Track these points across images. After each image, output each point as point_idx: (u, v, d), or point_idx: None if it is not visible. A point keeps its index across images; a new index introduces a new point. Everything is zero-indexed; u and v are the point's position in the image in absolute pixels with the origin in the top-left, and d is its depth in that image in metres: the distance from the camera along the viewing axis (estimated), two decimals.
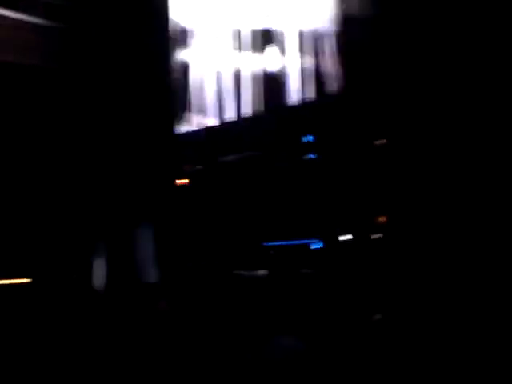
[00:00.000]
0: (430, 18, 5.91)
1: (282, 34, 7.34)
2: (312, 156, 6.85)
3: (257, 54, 7.57)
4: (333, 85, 6.80)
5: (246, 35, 7.66)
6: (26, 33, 7.79)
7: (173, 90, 8.35)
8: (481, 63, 5.64)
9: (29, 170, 7.71)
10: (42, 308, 6.82)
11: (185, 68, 8.36)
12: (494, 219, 5.58)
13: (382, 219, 6.27)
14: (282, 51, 7.34)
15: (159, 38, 8.32)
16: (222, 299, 6.81)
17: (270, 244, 7.22)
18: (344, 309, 5.72)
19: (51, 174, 7.91)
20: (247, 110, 7.63)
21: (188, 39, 8.26)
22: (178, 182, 8.13)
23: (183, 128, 8.29)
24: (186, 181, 8.01)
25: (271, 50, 7.44)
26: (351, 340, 5.20)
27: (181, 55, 8.37)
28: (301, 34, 7.18)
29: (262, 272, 7.04)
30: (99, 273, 7.92)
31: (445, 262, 5.59)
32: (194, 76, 8.21)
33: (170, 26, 8.35)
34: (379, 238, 6.29)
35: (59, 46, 8.06)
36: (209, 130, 7.90)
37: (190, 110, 8.22)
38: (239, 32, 7.75)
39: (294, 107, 7.09)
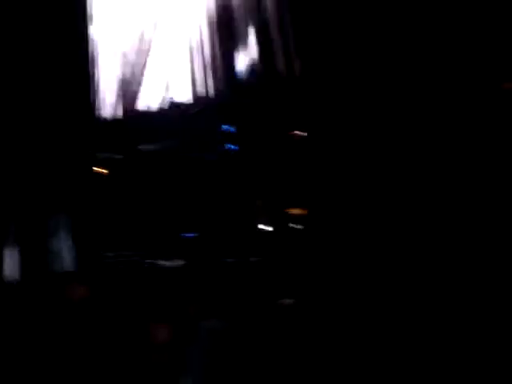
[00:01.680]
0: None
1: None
2: (231, 147, 6.84)
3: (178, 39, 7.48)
4: (253, 75, 6.77)
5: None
6: None
7: (91, 75, 8.16)
8: (399, 60, 5.74)
9: None
10: None
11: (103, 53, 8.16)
12: (408, 212, 5.72)
13: (300, 211, 6.34)
14: (201, 39, 7.25)
15: (75, 23, 8.11)
16: (141, 289, 6.75)
17: (187, 235, 7.18)
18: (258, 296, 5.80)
19: None
20: (169, 98, 7.53)
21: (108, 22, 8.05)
22: (96, 169, 7.96)
23: (103, 115, 8.11)
24: (104, 169, 7.85)
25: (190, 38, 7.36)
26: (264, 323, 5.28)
27: (101, 38, 8.16)
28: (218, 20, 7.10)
29: (179, 262, 7.02)
30: (10, 263, 7.68)
31: (364, 257, 5.71)
32: (115, 62, 8.03)
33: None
34: (298, 229, 6.36)
35: None
36: (128, 117, 7.75)
37: (110, 96, 8.05)
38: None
39: (214, 97, 7.03)
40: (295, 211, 6.39)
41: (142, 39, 7.72)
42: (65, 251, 7.86)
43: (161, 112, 7.40)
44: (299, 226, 6.34)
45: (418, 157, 5.77)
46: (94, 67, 8.21)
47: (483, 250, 5.12)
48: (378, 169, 5.85)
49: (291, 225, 6.38)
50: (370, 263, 5.69)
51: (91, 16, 8.19)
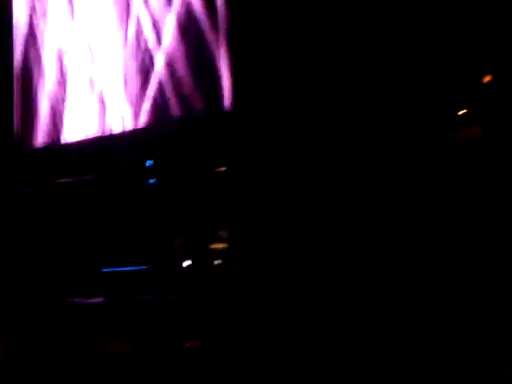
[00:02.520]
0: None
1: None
2: (152, 181, 6.78)
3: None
4: (176, 110, 6.77)
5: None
6: None
7: (14, 104, 8.01)
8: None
9: None
10: None
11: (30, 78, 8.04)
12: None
13: (221, 246, 6.30)
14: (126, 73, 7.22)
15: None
16: (55, 327, 6.58)
17: (107, 270, 7.04)
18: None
19: None
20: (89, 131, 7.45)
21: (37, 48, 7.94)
22: (14, 204, 7.78)
23: (24, 145, 7.95)
24: (21, 203, 7.67)
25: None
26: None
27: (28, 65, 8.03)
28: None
29: (97, 299, 6.88)
30: None
31: (288, 290, 5.71)
32: (38, 90, 7.91)
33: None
34: (218, 264, 6.31)
35: None
36: (48, 149, 7.62)
37: (33, 126, 7.90)
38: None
39: (135, 131, 6.98)
40: (216, 246, 6.36)
41: (65, 71, 7.66)
42: None
43: (84, 145, 7.31)
44: (219, 261, 6.29)
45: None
46: (19, 97, 8.10)
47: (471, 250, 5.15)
48: (300, 202, 5.89)
49: (211, 260, 6.33)
50: (296, 295, 5.69)
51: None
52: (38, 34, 7.92)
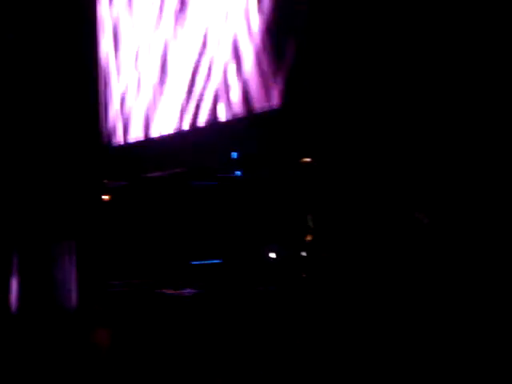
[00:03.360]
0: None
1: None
2: (238, 173, 6.81)
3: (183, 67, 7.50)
4: (260, 102, 6.77)
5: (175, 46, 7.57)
6: None
7: (100, 102, 8.21)
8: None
9: None
10: None
11: (111, 79, 8.22)
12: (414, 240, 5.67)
13: (308, 238, 6.28)
14: (210, 66, 7.27)
15: (86, 47, 8.18)
16: (149, 319, 6.70)
17: (196, 263, 7.12)
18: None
19: None
20: (174, 125, 7.55)
21: (119, 48, 8.11)
22: (103, 198, 7.96)
23: (112, 141, 8.15)
24: (110, 197, 7.85)
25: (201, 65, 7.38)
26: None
27: (111, 64, 8.22)
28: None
29: (187, 291, 6.97)
30: (13, 293, 7.62)
31: (370, 282, 5.66)
32: (122, 88, 8.08)
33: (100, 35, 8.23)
34: (306, 256, 6.30)
35: None
36: (135, 144, 7.77)
37: (118, 123, 8.09)
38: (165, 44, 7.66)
39: (221, 124, 7.03)
40: (303, 237, 6.35)
41: (155, 70, 7.78)
42: (69, 282, 7.81)
43: (169, 140, 7.42)
44: (306, 252, 6.29)
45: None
46: (104, 95, 8.29)
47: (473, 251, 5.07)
48: (385, 196, 5.82)
49: (298, 251, 6.33)
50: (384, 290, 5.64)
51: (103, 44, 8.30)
52: (122, 33, 8.07)
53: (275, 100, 6.54)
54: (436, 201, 5.49)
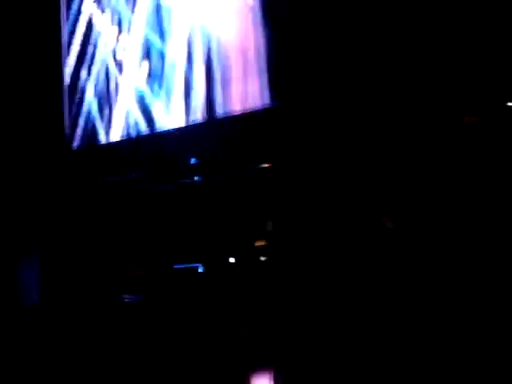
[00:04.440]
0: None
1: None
2: (197, 178, 6.81)
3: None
4: (221, 108, 6.76)
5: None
6: None
7: (64, 104, 8.16)
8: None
9: None
10: None
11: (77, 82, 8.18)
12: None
13: (262, 243, 6.29)
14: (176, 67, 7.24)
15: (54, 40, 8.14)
16: (103, 323, 6.72)
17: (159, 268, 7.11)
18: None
19: None
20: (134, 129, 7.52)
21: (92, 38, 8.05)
22: (68, 201, 7.92)
23: (74, 145, 8.10)
24: (72, 201, 7.82)
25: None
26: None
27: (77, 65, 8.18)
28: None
29: (143, 296, 6.98)
30: None
31: (330, 286, 5.68)
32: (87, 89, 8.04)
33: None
34: (262, 261, 6.30)
35: None
36: (95, 148, 7.74)
37: (80, 126, 8.04)
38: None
39: (179, 129, 7.01)
40: (260, 243, 6.35)
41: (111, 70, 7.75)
42: (33, 284, 7.83)
43: (129, 144, 7.40)
44: (263, 258, 6.29)
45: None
46: (68, 96, 8.25)
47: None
48: (341, 200, 5.84)
49: (255, 257, 6.33)
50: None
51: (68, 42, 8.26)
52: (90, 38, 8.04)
53: (237, 105, 6.55)
54: (402, 205, 5.51)
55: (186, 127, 6.93)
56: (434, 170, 5.37)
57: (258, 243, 6.33)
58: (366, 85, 5.67)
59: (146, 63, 7.36)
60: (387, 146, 5.63)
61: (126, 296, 7.01)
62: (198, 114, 6.86)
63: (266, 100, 6.31)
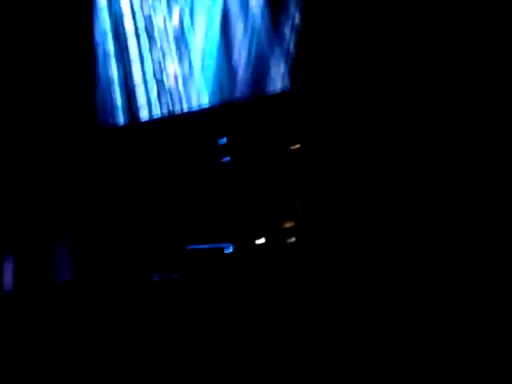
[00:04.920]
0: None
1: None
2: (226, 159, 6.80)
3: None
4: (250, 88, 6.73)
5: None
6: None
7: (97, 85, 8.18)
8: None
9: None
10: None
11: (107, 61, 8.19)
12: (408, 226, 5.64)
13: (292, 224, 6.28)
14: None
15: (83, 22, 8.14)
16: (137, 302, 6.78)
17: (187, 247, 7.15)
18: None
19: None
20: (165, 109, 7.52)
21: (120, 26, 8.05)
22: (96, 181, 7.98)
23: (105, 125, 8.14)
24: (104, 181, 7.86)
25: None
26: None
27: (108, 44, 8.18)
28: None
29: (175, 275, 7.02)
30: (9, 273, 7.74)
31: (357, 267, 5.65)
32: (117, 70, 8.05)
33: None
34: (291, 242, 6.29)
35: None
36: (126, 129, 7.76)
37: (112, 106, 8.07)
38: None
39: (210, 109, 7.00)
40: (288, 224, 6.34)
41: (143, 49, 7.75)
42: (63, 262, 7.92)
43: (158, 123, 7.41)
44: (291, 239, 6.27)
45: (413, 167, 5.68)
46: (98, 78, 8.26)
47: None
48: (374, 184, 5.79)
49: (284, 238, 6.32)
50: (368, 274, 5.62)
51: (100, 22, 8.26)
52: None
53: (267, 86, 6.52)
54: (431, 192, 5.46)
55: (215, 107, 6.93)
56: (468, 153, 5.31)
57: (287, 224, 6.32)
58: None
59: (179, 42, 7.36)
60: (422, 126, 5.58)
61: (157, 274, 7.07)
62: (227, 93, 6.85)
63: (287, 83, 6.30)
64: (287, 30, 6.38)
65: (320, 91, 6.14)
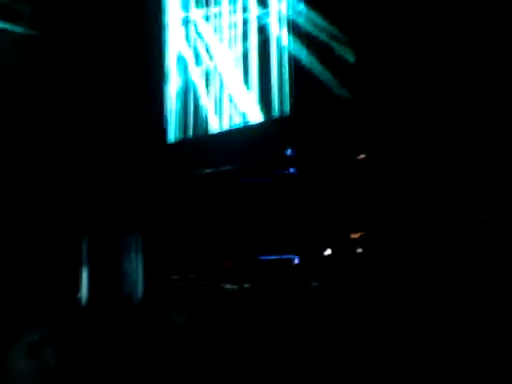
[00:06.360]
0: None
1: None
2: (292, 170, 6.81)
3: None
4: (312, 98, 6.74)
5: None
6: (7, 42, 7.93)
7: (165, 99, 8.34)
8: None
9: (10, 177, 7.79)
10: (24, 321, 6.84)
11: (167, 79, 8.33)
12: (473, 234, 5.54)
13: (360, 235, 6.23)
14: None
15: (152, 41, 8.32)
16: (209, 314, 6.83)
17: (259, 258, 7.18)
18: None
19: (34, 181, 7.98)
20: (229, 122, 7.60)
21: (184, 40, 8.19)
22: (163, 194, 8.11)
23: (171, 139, 8.29)
24: (169, 194, 7.99)
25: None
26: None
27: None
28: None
29: (246, 285, 7.05)
30: (83, 285, 7.92)
31: (422, 278, 5.57)
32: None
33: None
34: (358, 253, 6.24)
35: (41, 55, 8.17)
36: (191, 141, 7.87)
37: (178, 122, 8.21)
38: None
39: (275, 120, 7.03)
40: (355, 235, 6.29)
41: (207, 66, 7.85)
42: (135, 273, 8.05)
43: (224, 136, 7.48)
44: (359, 250, 6.23)
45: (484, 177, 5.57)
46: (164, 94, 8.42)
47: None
48: (437, 193, 5.69)
49: (352, 248, 6.28)
50: (433, 284, 5.54)
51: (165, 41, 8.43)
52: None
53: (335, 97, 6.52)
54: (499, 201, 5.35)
55: (281, 118, 6.97)
56: None
57: (354, 235, 6.28)
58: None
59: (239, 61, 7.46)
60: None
61: (227, 285, 7.12)
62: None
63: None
64: None
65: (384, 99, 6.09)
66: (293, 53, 6.95)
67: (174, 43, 8.29)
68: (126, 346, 6.14)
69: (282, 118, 6.94)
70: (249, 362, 5.66)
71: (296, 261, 6.66)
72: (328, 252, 6.42)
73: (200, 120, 7.79)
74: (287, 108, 6.94)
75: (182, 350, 6.03)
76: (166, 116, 8.17)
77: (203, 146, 7.65)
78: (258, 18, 7.32)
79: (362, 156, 6.34)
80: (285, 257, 6.75)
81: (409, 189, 5.89)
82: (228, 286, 7.19)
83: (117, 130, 8.41)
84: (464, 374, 4.64)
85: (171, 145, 8.08)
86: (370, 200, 6.21)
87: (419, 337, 5.22)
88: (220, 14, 7.75)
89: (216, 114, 7.65)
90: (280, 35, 7.11)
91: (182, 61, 8.19)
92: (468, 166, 5.54)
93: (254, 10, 7.38)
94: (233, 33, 7.57)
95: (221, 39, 7.72)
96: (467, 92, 5.56)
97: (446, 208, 5.65)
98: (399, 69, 6.01)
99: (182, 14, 8.24)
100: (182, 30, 8.23)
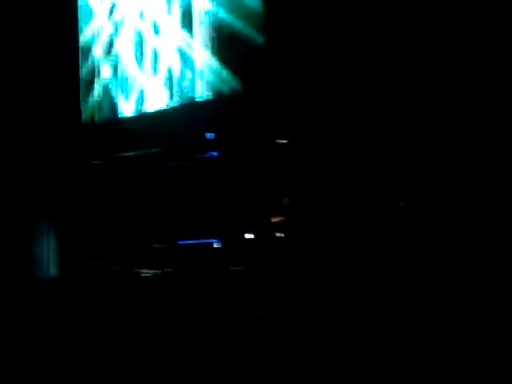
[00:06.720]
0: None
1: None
2: (214, 154, 6.77)
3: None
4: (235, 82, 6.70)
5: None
6: None
7: (80, 76, 8.13)
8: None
9: None
10: None
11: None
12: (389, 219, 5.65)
13: (281, 219, 6.27)
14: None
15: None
16: (123, 298, 6.74)
17: (178, 243, 7.11)
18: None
19: None
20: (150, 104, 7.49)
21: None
22: (80, 176, 7.93)
23: (88, 121, 8.09)
24: (88, 176, 7.81)
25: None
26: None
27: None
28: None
29: (163, 270, 7.00)
30: None
31: (342, 262, 5.66)
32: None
33: None
34: (279, 237, 6.29)
35: None
36: (110, 123, 7.71)
37: (97, 101, 8.02)
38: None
39: (197, 104, 6.97)
40: (276, 219, 6.32)
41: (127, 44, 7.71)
42: (48, 258, 7.86)
43: (145, 118, 7.37)
44: (281, 234, 6.27)
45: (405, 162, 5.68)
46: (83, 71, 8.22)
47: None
48: (359, 178, 5.79)
49: (273, 232, 6.31)
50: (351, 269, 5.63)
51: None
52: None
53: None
54: (417, 187, 5.46)
55: (202, 101, 6.90)
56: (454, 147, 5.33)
57: (275, 219, 6.31)
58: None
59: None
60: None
61: (144, 269, 7.05)
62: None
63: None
64: None
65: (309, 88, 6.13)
66: None
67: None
68: (26, 325, 6.09)
69: (204, 102, 6.87)
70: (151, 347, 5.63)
71: (217, 245, 6.64)
72: (249, 236, 6.43)
73: (116, 100, 7.64)
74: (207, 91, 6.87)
75: (73, 331, 6.00)
76: (80, 95, 7.96)
77: (119, 129, 7.51)
78: None
79: (284, 141, 6.37)
80: (205, 241, 6.71)
81: (329, 172, 5.95)
82: (145, 271, 7.12)
83: (27, 111, 8.16)
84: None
85: (87, 125, 7.88)
86: (291, 184, 6.25)
87: (340, 321, 5.30)
88: None
89: (141, 94, 7.50)
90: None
91: (99, 36, 7.97)
92: (388, 152, 5.65)
93: None
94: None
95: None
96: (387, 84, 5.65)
97: (366, 193, 5.75)
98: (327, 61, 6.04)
99: None
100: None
